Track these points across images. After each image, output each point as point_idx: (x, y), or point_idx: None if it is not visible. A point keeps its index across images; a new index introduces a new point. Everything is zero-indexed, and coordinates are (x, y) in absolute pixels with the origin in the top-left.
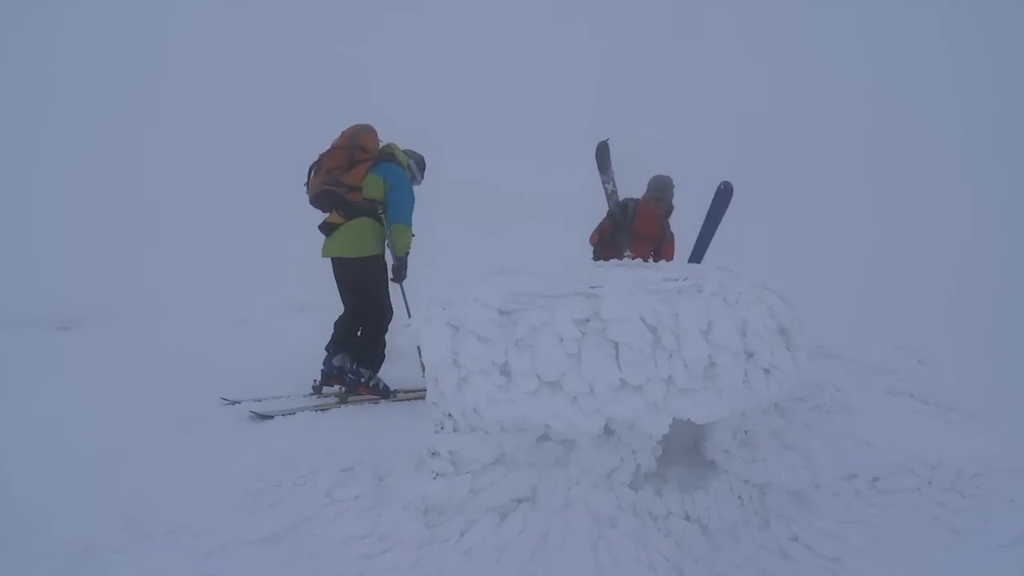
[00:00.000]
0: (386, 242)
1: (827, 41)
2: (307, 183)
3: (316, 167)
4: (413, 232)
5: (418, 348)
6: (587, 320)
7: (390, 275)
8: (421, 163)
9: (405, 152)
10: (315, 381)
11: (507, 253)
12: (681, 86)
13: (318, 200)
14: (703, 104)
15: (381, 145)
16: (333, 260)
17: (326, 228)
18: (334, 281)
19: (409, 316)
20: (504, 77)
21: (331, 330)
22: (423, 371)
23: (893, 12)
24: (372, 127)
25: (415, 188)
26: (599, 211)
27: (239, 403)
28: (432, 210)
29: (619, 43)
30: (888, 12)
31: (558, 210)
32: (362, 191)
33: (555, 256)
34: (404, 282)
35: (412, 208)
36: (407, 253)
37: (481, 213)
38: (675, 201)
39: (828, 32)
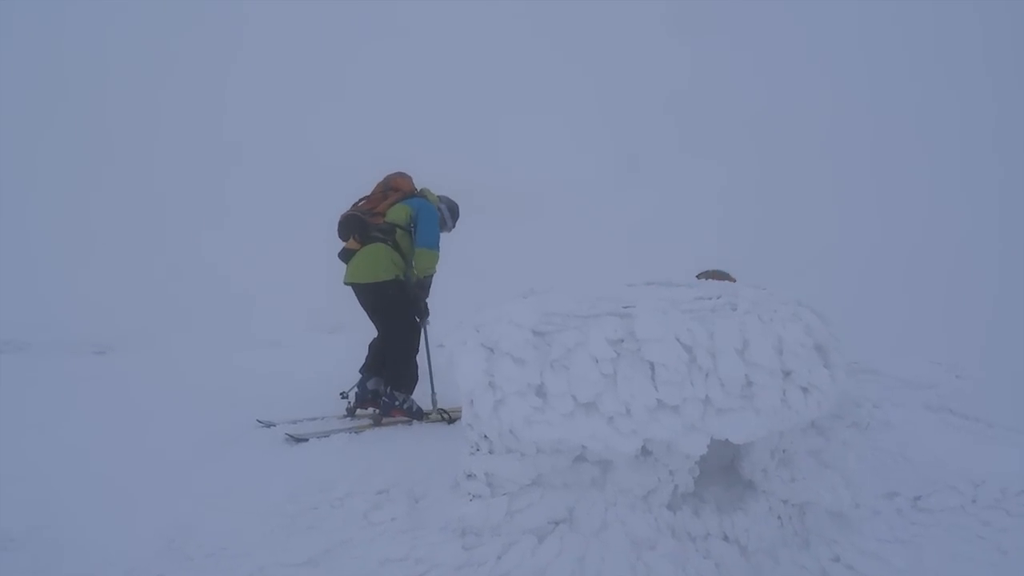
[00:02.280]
0: (410, 264)
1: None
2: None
3: (352, 206)
4: (439, 255)
5: (431, 380)
6: (621, 340)
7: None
8: (454, 210)
9: (439, 197)
10: (349, 403)
11: (520, 259)
12: (684, 85)
13: (341, 226)
14: (712, 106)
15: (418, 189)
16: (353, 287)
17: (344, 255)
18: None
19: (429, 361)
20: (504, 76)
21: (363, 351)
22: (433, 404)
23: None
24: (406, 173)
25: (445, 235)
26: (603, 209)
27: (274, 425)
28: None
29: (618, 40)
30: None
31: (563, 207)
32: (385, 216)
33: (561, 260)
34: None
35: (438, 236)
36: (429, 276)
37: (486, 212)
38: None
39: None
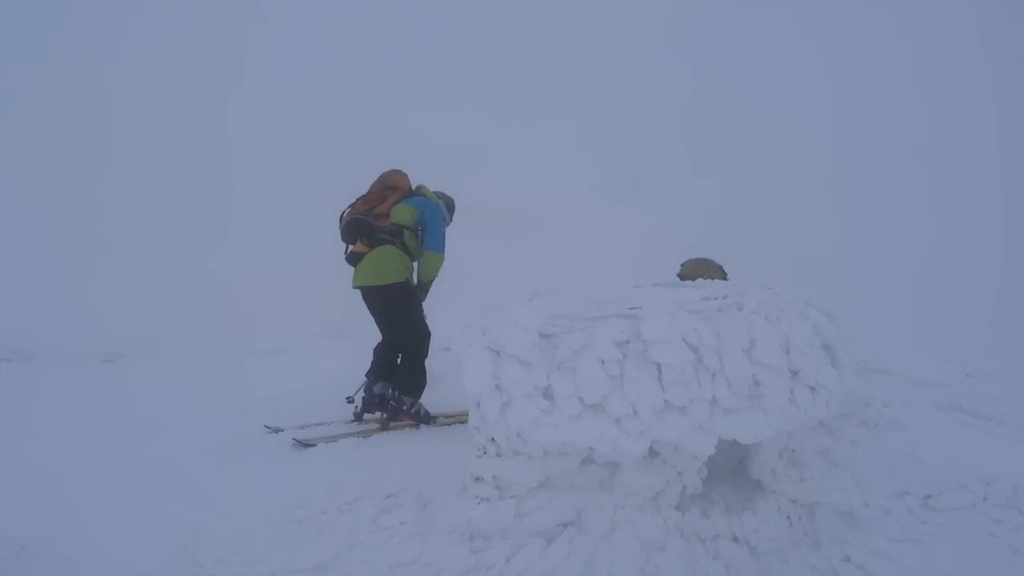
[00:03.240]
0: (414, 265)
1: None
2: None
3: (351, 207)
4: (444, 259)
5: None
6: (628, 342)
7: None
8: (451, 205)
9: (436, 193)
10: (356, 407)
11: (524, 267)
12: (685, 94)
13: (347, 229)
14: (715, 115)
15: (414, 187)
16: (361, 290)
17: (352, 259)
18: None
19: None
20: (500, 85)
21: (369, 356)
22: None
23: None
24: (401, 170)
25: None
26: (606, 218)
27: (282, 431)
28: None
29: (619, 51)
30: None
31: (566, 220)
32: (390, 217)
33: (566, 268)
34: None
35: (444, 237)
36: (431, 279)
37: (490, 224)
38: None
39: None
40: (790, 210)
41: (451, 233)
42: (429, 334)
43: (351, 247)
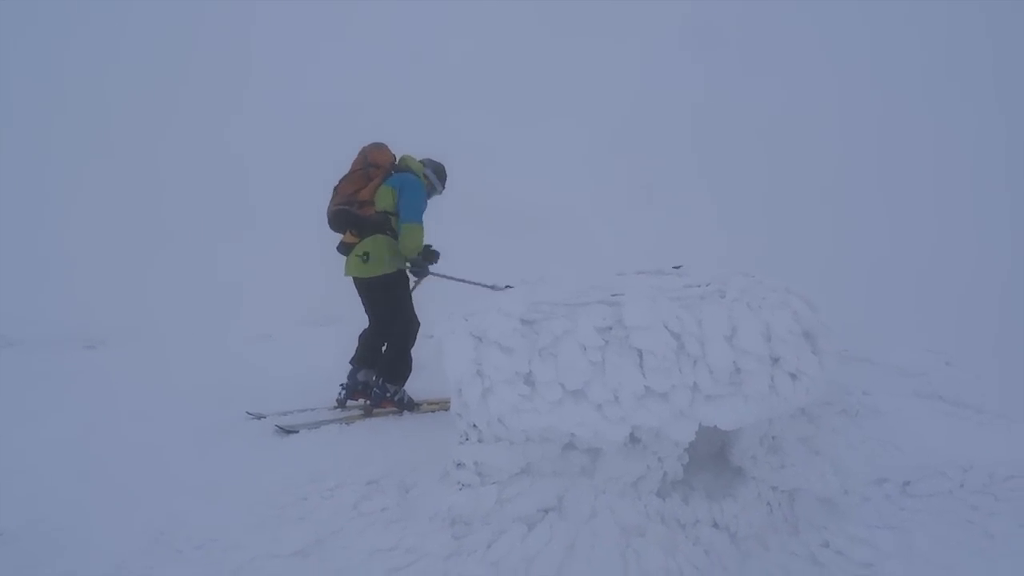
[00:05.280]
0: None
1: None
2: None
3: (335, 191)
4: (423, 228)
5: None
6: (610, 328)
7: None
8: (440, 172)
9: (422, 161)
10: (340, 394)
11: (518, 261)
12: (694, 95)
13: (333, 221)
14: (720, 112)
15: (397, 159)
16: (353, 279)
17: (343, 248)
18: (357, 296)
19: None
20: (510, 84)
21: (354, 343)
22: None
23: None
24: (382, 143)
25: (436, 198)
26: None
27: (264, 417)
28: (445, 218)
29: (631, 52)
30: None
31: (563, 218)
32: (374, 205)
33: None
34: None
35: (423, 209)
36: (417, 254)
37: (488, 221)
38: None
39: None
40: (797, 211)
41: (449, 229)
42: (418, 323)
43: (341, 237)
